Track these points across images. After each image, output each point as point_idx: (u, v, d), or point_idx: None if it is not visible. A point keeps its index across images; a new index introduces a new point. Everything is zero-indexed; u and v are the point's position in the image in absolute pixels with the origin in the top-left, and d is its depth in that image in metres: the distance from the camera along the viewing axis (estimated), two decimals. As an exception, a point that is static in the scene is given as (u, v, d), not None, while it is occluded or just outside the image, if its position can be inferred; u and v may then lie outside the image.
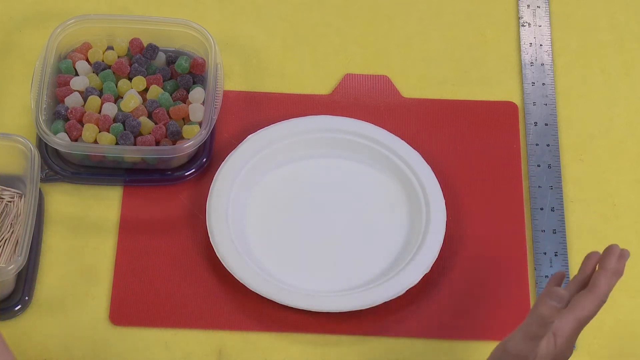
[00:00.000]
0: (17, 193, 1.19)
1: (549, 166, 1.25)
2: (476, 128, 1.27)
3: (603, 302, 0.94)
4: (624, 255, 0.95)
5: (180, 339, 1.14)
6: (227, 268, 1.15)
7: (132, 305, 1.15)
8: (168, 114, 1.22)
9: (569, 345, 0.93)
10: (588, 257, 0.97)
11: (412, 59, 1.33)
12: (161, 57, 1.26)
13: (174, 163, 1.22)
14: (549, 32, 1.35)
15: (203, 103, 1.22)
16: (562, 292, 0.90)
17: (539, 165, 1.25)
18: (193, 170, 1.22)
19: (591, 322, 1.15)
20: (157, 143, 1.20)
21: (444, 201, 1.19)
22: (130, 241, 1.19)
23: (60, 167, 1.21)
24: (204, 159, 1.23)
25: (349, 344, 1.14)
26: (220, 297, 1.16)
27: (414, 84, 1.31)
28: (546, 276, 1.18)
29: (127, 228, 1.19)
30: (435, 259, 1.16)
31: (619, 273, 0.95)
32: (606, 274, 0.94)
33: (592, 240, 1.21)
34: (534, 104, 1.29)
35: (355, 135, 1.24)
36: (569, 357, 0.94)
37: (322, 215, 1.21)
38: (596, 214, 1.23)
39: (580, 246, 1.20)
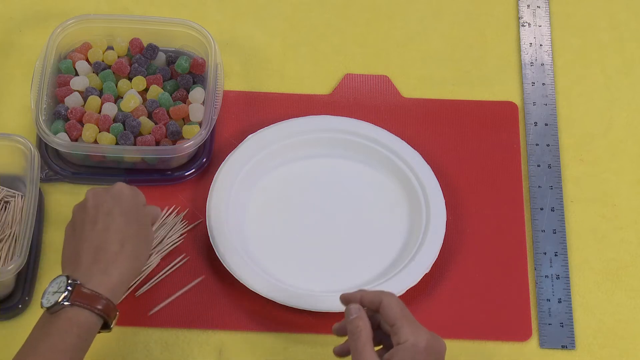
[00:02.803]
0: (17, 193, 1.19)
1: (549, 166, 1.25)
2: (476, 128, 1.27)
3: (388, 293, 0.99)
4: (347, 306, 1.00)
5: (180, 339, 1.14)
6: (227, 268, 1.15)
7: (132, 305, 1.15)
8: (168, 114, 1.22)
9: (421, 339, 0.96)
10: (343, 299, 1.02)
11: (412, 59, 1.33)
12: (161, 57, 1.26)
13: (174, 163, 1.22)
14: (549, 32, 1.35)
15: (203, 103, 1.22)
16: (352, 305, 0.98)
17: (539, 165, 1.25)
18: (193, 170, 1.22)
19: (591, 322, 1.16)
20: (157, 143, 1.20)
21: (444, 201, 1.20)
22: (130, 241, 1.19)
23: (60, 167, 1.21)
24: (204, 159, 1.23)
25: (349, 344, 1.14)
26: (220, 297, 1.16)
27: (414, 84, 1.31)
28: (546, 276, 1.18)
29: (127, 228, 1.19)
30: (435, 259, 1.16)
31: (359, 308, 0.99)
32: (358, 312, 0.99)
33: (592, 240, 1.21)
34: (534, 104, 1.29)
35: (355, 135, 1.24)
36: (440, 346, 0.97)
37: (322, 215, 1.21)
38: (596, 214, 1.23)
39: (580, 246, 1.20)
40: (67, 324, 0.98)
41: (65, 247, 1.06)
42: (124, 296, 1.12)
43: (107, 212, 1.05)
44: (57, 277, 1.01)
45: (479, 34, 1.35)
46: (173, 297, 1.15)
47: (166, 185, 1.22)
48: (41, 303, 1.00)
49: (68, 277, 1.00)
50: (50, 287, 1.00)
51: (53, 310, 0.99)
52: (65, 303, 0.99)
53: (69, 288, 0.99)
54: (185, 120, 1.23)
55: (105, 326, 1.01)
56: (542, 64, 1.32)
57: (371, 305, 0.99)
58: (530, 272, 1.19)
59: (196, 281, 1.16)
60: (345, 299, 1.01)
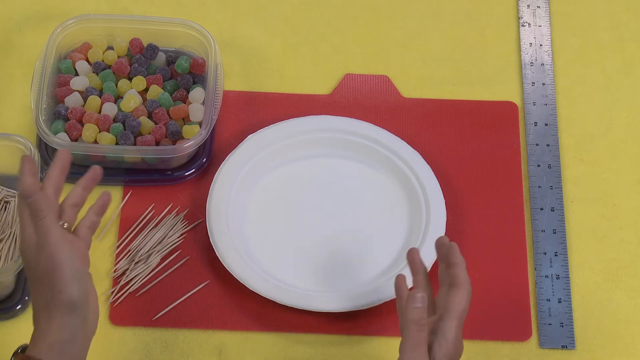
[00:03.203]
0: (17, 193, 1.19)
1: (549, 166, 1.25)
2: (476, 128, 1.27)
3: (470, 291, 1.00)
4: (452, 244, 1.02)
5: (180, 339, 1.14)
6: (227, 268, 1.15)
7: (132, 306, 1.15)
8: (168, 114, 1.22)
9: (459, 341, 0.98)
10: (412, 253, 1.04)
11: (412, 59, 1.33)
12: (161, 57, 1.26)
13: (174, 163, 1.22)
14: (549, 32, 1.35)
15: (203, 103, 1.22)
16: (420, 294, 0.97)
17: (539, 165, 1.25)
18: (193, 170, 1.22)
19: (591, 322, 1.16)
20: (157, 143, 1.20)
21: (444, 201, 1.20)
22: (130, 241, 1.19)
23: (60, 167, 1.21)
24: (204, 159, 1.23)
25: (349, 344, 1.14)
26: (220, 297, 1.16)
27: (414, 84, 1.31)
28: (546, 276, 1.18)
29: (127, 228, 1.19)
30: (435, 259, 1.16)
31: (464, 261, 1.01)
32: (460, 267, 1.00)
33: (592, 240, 1.21)
34: (534, 104, 1.29)
35: (355, 135, 1.24)
36: (461, 351, 0.99)
37: (322, 215, 1.21)
38: (596, 214, 1.23)
39: (580, 246, 1.21)
40: None
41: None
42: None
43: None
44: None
45: (479, 34, 1.35)
46: (178, 302, 1.15)
47: (166, 185, 1.22)
48: None
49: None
50: None
51: None
52: None
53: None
54: (185, 120, 1.23)
55: None
56: (542, 64, 1.32)
57: (450, 281, 0.99)
58: (530, 272, 1.19)
59: (201, 286, 1.16)
60: (442, 245, 1.01)
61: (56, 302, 0.95)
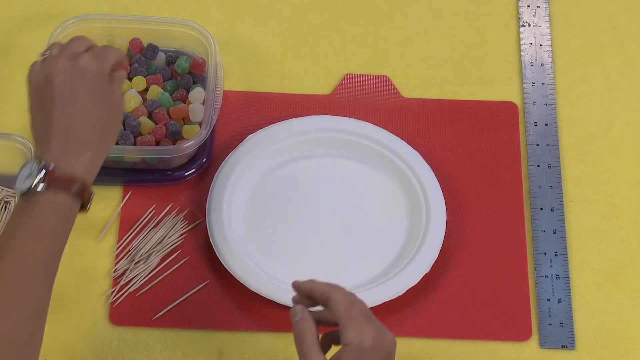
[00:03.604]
0: (17, 193, 1.19)
1: (549, 166, 1.25)
2: (476, 128, 1.27)
3: (339, 287, 0.97)
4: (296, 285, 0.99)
5: (180, 339, 1.14)
6: (227, 268, 1.15)
7: (132, 306, 1.15)
8: (168, 114, 1.22)
9: (368, 337, 0.93)
10: (294, 284, 1.00)
11: (412, 59, 1.33)
12: (161, 57, 1.26)
13: (174, 163, 1.22)
14: (549, 32, 1.35)
15: (203, 103, 1.22)
16: (299, 306, 0.96)
17: (539, 165, 1.25)
18: (193, 170, 1.22)
19: (591, 322, 1.16)
20: (157, 143, 1.20)
21: (444, 201, 1.20)
22: (130, 241, 1.19)
23: (60, 167, 1.21)
24: (204, 159, 1.23)
25: (349, 344, 1.14)
26: (220, 297, 1.16)
27: (414, 84, 1.31)
28: (546, 276, 1.18)
29: (127, 228, 1.19)
30: (435, 259, 1.16)
31: (312, 280, 0.98)
32: (314, 287, 0.97)
33: (592, 240, 1.21)
34: (534, 104, 1.29)
35: (355, 135, 1.24)
36: (387, 342, 0.95)
37: (322, 215, 1.21)
38: (596, 214, 1.23)
39: (580, 246, 1.21)
40: (44, 207, 0.96)
41: (34, 123, 1.02)
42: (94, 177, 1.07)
43: (75, 92, 1.01)
44: (29, 161, 0.99)
45: (479, 34, 1.35)
46: (178, 301, 1.15)
47: (166, 185, 1.22)
48: (14, 189, 0.98)
49: (40, 160, 0.98)
50: (23, 171, 0.98)
51: (29, 194, 0.97)
52: (41, 185, 0.96)
53: (43, 171, 0.97)
54: (185, 120, 1.23)
55: (82, 207, 0.99)
56: (542, 64, 1.32)
57: (320, 300, 0.96)
58: (530, 272, 1.19)
59: (201, 286, 1.16)
60: (296, 287, 0.98)
61: (115, 128, 1.03)
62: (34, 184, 0.96)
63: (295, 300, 0.98)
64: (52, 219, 0.96)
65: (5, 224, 0.97)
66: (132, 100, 1.21)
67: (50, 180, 0.97)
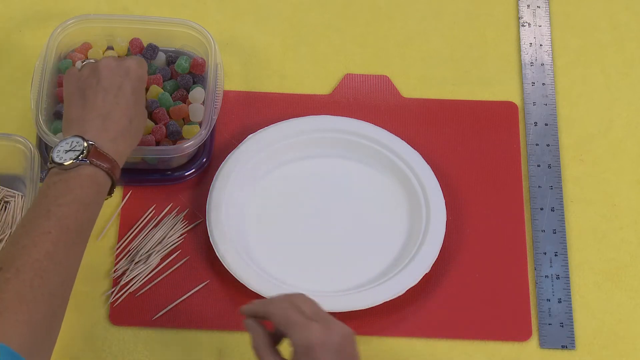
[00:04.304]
0: (17, 193, 1.19)
1: (549, 166, 1.25)
2: (476, 128, 1.27)
3: (271, 299, 0.99)
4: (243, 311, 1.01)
5: (180, 339, 1.14)
6: (227, 268, 1.15)
7: (132, 305, 1.15)
8: (168, 114, 1.22)
9: (314, 335, 0.95)
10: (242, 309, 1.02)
11: (412, 59, 1.33)
12: (161, 57, 1.26)
13: (174, 163, 1.22)
14: (549, 32, 1.35)
15: (203, 103, 1.22)
16: (249, 320, 0.99)
17: (539, 165, 1.25)
18: (193, 170, 1.22)
19: (591, 322, 1.16)
20: (157, 143, 1.20)
21: (444, 201, 1.19)
22: (130, 241, 1.19)
23: (60, 167, 1.21)
24: (204, 159, 1.23)
25: (349, 344, 1.14)
26: (220, 297, 1.16)
27: (414, 84, 1.31)
28: (546, 276, 1.18)
29: (127, 228, 1.19)
30: (435, 259, 1.16)
31: (251, 303, 1.00)
32: (250, 307, 1.00)
33: (592, 240, 1.21)
34: (534, 104, 1.29)
35: (355, 135, 1.24)
36: (343, 336, 0.95)
37: (322, 215, 1.21)
38: (596, 214, 1.23)
39: (580, 246, 1.20)
40: (87, 180, 1.03)
41: (72, 107, 1.10)
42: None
43: (119, 86, 1.10)
44: (69, 137, 1.05)
45: (479, 34, 1.35)
46: (178, 301, 1.15)
47: (166, 185, 1.22)
48: (51, 158, 1.04)
49: (81, 138, 1.04)
50: (61, 145, 1.05)
51: (69, 167, 1.03)
52: (85, 160, 1.03)
53: (86, 146, 1.04)
54: (185, 120, 1.23)
55: (109, 192, 1.07)
56: (542, 64, 1.32)
57: (264, 318, 0.98)
58: (530, 272, 1.19)
59: (201, 286, 1.16)
60: (243, 312, 1.00)
61: (143, 122, 1.13)
62: (78, 157, 1.03)
63: (242, 312, 1.01)
64: (93, 192, 1.03)
65: (39, 195, 1.03)
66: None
67: (93, 155, 1.04)
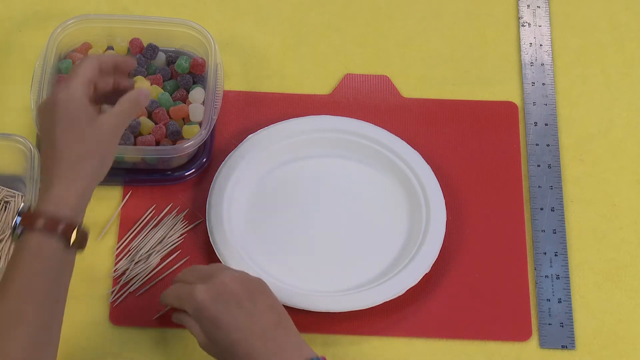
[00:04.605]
0: (17, 193, 1.19)
1: (549, 166, 1.25)
2: (476, 128, 1.27)
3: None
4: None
5: (180, 339, 1.14)
6: (227, 268, 1.15)
7: (132, 306, 1.15)
8: (168, 114, 1.22)
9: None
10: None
11: (412, 59, 1.33)
12: (161, 57, 1.26)
13: (174, 163, 1.22)
14: (549, 32, 1.35)
15: (203, 103, 1.22)
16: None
17: (539, 165, 1.25)
18: (193, 170, 1.22)
19: (591, 322, 1.16)
20: (157, 143, 1.20)
21: (444, 201, 1.20)
22: (130, 241, 1.19)
23: (60, 167, 1.21)
24: (204, 159, 1.23)
25: (349, 344, 1.14)
26: (220, 297, 1.16)
27: (414, 84, 1.31)
28: (546, 276, 1.18)
29: (127, 228, 1.19)
30: (435, 259, 1.16)
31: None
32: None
33: (592, 240, 1.21)
34: (534, 104, 1.29)
35: (355, 135, 1.24)
36: (224, 281, 1.02)
37: (322, 215, 1.21)
38: (596, 214, 1.23)
39: (580, 246, 1.20)
40: (30, 250, 0.95)
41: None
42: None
43: (48, 125, 1.00)
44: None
45: (479, 34, 1.35)
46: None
47: (166, 185, 1.22)
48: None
49: (27, 203, 1.01)
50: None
51: (15, 237, 0.97)
52: (19, 228, 0.96)
53: (19, 215, 0.97)
54: (185, 120, 1.23)
55: (80, 246, 0.98)
56: (542, 64, 1.32)
57: (174, 306, 1.06)
58: (530, 272, 1.19)
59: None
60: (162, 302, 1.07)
61: (93, 161, 0.99)
62: (13, 227, 0.96)
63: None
64: (37, 263, 0.95)
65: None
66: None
67: (27, 222, 0.95)
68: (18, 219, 0.96)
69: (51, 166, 0.98)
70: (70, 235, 0.96)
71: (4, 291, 0.94)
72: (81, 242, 0.98)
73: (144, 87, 1.05)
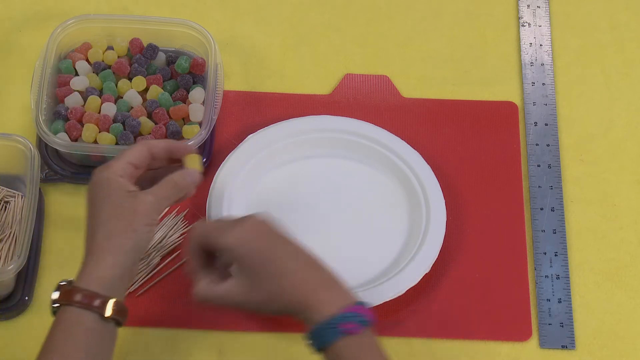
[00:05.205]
0: (17, 193, 1.19)
1: (549, 166, 1.25)
2: (476, 128, 1.27)
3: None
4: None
5: (180, 339, 1.14)
6: (227, 268, 1.15)
7: (132, 306, 1.15)
8: (168, 114, 1.22)
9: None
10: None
11: (412, 59, 1.33)
12: (161, 57, 1.26)
13: (174, 163, 1.22)
14: (549, 32, 1.35)
15: (203, 103, 1.22)
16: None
17: (539, 165, 1.25)
18: (193, 170, 1.22)
19: (591, 322, 1.16)
20: (157, 143, 1.20)
21: (444, 201, 1.19)
22: (130, 241, 1.19)
23: (60, 167, 1.21)
24: (204, 159, 1.23)
25: (349, 344, 1.14)
26: (220, 297, 1.16)
27: (414, 84, 1.31)
28: (546, 276, 1.18)
29: (127, 228, 1.19)
30: (435, 259, 1.16)
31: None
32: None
33: (592, 240, 1.21)
34: (534, 104, 1.29)
35: (355, 135, 1.24)
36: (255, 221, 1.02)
37: (322, 215, 1.21)
38: (596, 214, 1.23)
39: (580, 246, 1.21)
40: (68, 323, 0.97)
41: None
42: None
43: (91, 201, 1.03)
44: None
45: (479, 34, 1.35)
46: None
47: (166, 185, 1.22)
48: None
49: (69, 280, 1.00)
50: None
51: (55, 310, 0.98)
52: (55, 303, 0.98)
53: (58, 290, 0.98)
54: (185, 120, 1.23)
55: (118, 323, 0.99)
56: (542, 64, 1.32)
57: (207, 249, 1.02)
58: (530, 272, 1.19)
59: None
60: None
61: (125, 236, 0.99)
62: (52, 300, 0.98)
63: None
64: (76, 335, 0.96)
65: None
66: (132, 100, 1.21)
67: (64, 297, 0.97)
68: (56, 294, 0.98)
69: (88, 241, 1.00)
70: (104, 310, 0.97)
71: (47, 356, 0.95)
72: (118, 316, 0.98)
73: (193, 169, 1.06)
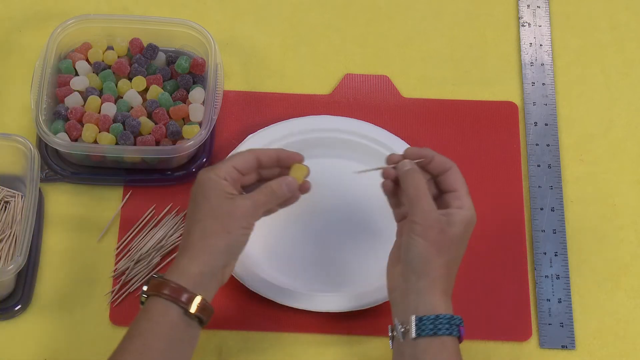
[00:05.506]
0: (17, 193, 1.19)
1: (549, 166, 1.25)
2: (476, 128, 1.27)
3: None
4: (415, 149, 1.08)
5: (180, 339, 1.14)
6: (227, 268, 1.14)
7: (132, 306, 1.15)
8: (168, 114, 1.22)
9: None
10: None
11: (412, 59, 1.33)
12: (161, 57, 1.26)
13: (174, 163, 1.22)
14: (549, 32, 1.35)
15: (203, 103, 1.22)
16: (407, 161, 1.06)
17: (539, 165, 1.25)
18: (193, 170, 1.22)
19: (591, 322, 1.16)
20: (157, 143, 1.20)
21: (444, 201, 1.19)
22: (130, 241, 1.19)
23: (60, 167, 1.21)
24: (204, 159, 1.23)
25: (348, 344, 1.14)
26: (220, 297, 1.15)
27: (414, 84, 1.31)
28: (546, 276, 1.18)
29: (127, 228, 1.19)
30: (435, 259, 1.16)
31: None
32: (439, 155, 1.08)
33: (592, 240, 1.21)
34: (534, 104, 1.29)
35: (356, 136, 1.24)
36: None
37: (321, 215, 1.21)
38: (596, 214, 1.23)
39: (580, 246, 1.20)
40: (153, 313, 1.00)
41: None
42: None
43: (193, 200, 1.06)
44: None
45: (479, 34, 1.35)
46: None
47: (166, 185, 1.22)
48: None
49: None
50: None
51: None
52: (145, 294, 1.01)
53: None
54: (185, 120, 1.23)
55: (201, 322, 1.01)
56: (542, 64, 1.32)
57: (437, 167, 1.05)
58: (530, 272, 1.19)
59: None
60: (412, 152, 1.06)
61: (219, 237, 1.01)
62: (142, 291, 1.02)
63: (411, 154, 1.07)
64: (159, 326, 0.99)
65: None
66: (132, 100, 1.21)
67: (154, 289, 1.00)
68: (146, 287, 1.01)
69: (184, 238, 1.03)
70: (190, 305, 0.99)
71: (122, 350, 0.99)
72: (203, 314, 1.00)
73: (291, 177, 1.07)
